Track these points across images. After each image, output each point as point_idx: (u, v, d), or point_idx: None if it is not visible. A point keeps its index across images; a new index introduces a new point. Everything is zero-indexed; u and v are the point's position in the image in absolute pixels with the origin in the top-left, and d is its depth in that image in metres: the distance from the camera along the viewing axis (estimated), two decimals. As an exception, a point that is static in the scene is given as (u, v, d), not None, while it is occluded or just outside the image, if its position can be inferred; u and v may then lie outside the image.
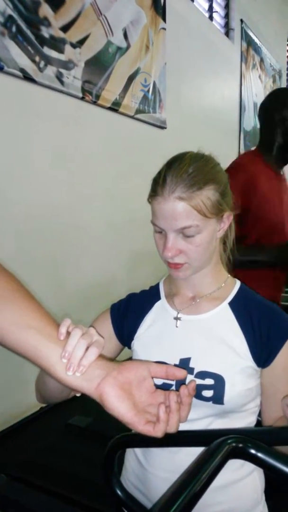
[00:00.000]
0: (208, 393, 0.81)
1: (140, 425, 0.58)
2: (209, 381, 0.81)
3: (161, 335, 0.90)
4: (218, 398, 0.80)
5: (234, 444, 0.54)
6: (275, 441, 0.61)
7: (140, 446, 0.82)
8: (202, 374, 0.82)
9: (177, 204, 0.79)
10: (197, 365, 0.84)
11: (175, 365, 0.83)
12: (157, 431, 0.58)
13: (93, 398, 0.61)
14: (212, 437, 0.58)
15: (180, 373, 0.65)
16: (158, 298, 0.96)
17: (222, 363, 0.83)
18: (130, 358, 0.93)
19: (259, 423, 0.90)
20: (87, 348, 0.62)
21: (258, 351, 0.84)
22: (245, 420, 0.86)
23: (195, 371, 0.83)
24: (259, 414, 0.90)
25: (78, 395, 0.67)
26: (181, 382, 0.78)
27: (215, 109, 4.04)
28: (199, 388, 0.81)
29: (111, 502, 0.85)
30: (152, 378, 0.64)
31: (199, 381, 0.81)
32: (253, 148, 1.83)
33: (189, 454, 0.74)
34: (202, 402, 0.81)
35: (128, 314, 0.95)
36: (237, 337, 0.85)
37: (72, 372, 0.60)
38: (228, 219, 0.87)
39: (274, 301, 1.64)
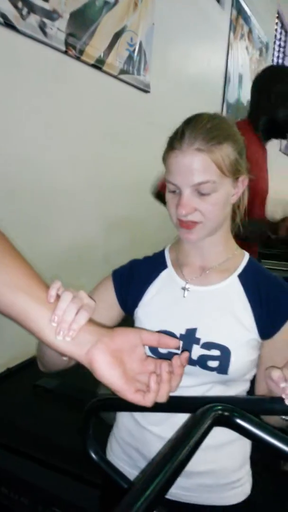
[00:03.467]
0: (213, 364, 0.81)
1: (130, 394, 0.57)
2: (215, 352, 0.81)
3: (168, 304, 0.88)
4: (223, 369, 0.81)
5: (220, 412, 0.54)
6: (260, 411, 0.61)
7: (120, 410, 0.81)
8: (208, 345, 0.82)
9: (196, 156, 0.77)
10: (204, 336, 0.83)
11: (181, 335, 0.84)
12: (147, 401, 0.57)
13: (83, 363, 0.59)
14: (198, 404, 0.57)
15: (173, 342, 0.63)
16: (164, 266, 0.93)
17: (228, 335, 0.83)
18: (132, 326, 0.91)
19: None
20: (78, 312, 0.59)
21: (263, 324, 0.84)
22: (241, 387, 0.88)
23: (201, 342, 0.83)
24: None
25: (65, 359, 0.64)
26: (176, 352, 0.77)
27: (200, 76, 3.95)
28: (205, 359, 0.82)
29: (80, 463, 0.85)
30: (144, 345, 0.62)
31: (205, 352, 0.82)
32: (240, 119, 1.83)
33: (188, 414, 0.74)
34: (207, 372, 0.82)
35: (132, 281, 0.92)
36: (244, 310, 0.85)
37: (62, 336, 0.58)
38: (243, 183, 0.85)
39: None
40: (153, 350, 0.83)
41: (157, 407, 0.57)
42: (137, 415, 0.90)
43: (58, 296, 0.61)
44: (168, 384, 0.59)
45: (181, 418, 0.81)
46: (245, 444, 0.92)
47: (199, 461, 0.83)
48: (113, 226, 2.85)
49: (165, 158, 0.82)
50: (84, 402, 0.83)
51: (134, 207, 2.95)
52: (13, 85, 1.96)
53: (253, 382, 0.91)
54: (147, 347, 0.81)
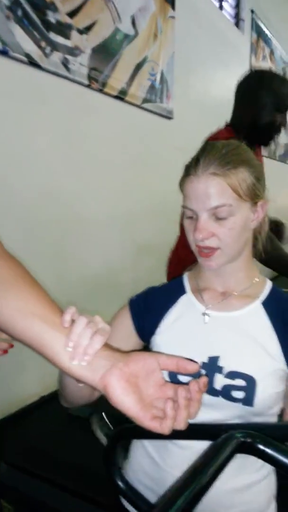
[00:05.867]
0: (238, 394, 0.77)
1: (146, 421, 0.55)
2: (240, 382, 0.78)
3: (188, 331, 0.85)
4: (248, 400, 0.77)
5: (242, 439, 0.52)
6: (285, 437, 0.58)
7: (143, 438, 0.79)
8: (232, 374, 0.79)
9: (211, 181, 0.77)
10: (227, 365, 0.80)
11: (204, 363, 0.81)
12: (164, 428, 0.54)
13: (97, 389, 0.58)
14: (220, 431, 0.55)
15: (192, 367, 0.60)
16: (182, 292, 0.91)
17: (254, 363, 0.79)
18: None
19: None
20: (93, 336, 0.59)
21: None
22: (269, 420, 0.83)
23: (225, 371, 0.79)
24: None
25: (81, 385, 0.64)
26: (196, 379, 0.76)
27: (223, 100, 3.96)
28: (229, 389, 0.78)
29: (111, 493, 0.83)
30: (161, 370, 0.60)
31: (229, 381, 0.79)
32: (222, 126, 1.78)
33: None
34: (231, 403, 0.78)
35: (149, 308, 0.91)
36: (269, 338, 0.81)
37: (77, 361, 0.57)
38: (262, 208, 0.84)
39: None
40: (172, 377, 0.80)
41: (178, 434, 0.55)
42: (156, 456, 0.85)
43: (73, 321, 0.60)
44: (185, 410, 0.56)
45: None
46: (271, 482, 0.87)
47: (226, 505, 0.80)
48: (141, 252, 2.86)
49: (181, 185, 0.83)
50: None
51: (161, 232, 2.96)
52: (37, 120, 2.04)
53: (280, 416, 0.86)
54: (166, 375, 0.79)
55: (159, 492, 0.84)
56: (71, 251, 2.30)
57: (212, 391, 0.78)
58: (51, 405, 1.98)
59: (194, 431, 0.57)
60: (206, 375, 0.79)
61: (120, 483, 0.78)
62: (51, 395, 2.05)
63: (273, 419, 0.84)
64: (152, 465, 0.86)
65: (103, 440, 0.97)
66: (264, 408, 0.79)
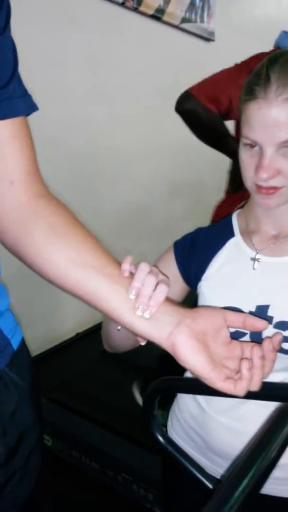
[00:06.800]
0: None
1: (218, 382, 0.51)
2: None
3: (235, 277, 0.78)
4: None
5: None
6: None
7: (185, 392, 0.75)
8: (283, 325, 0.72)
9: (286, 109, 0.64)
10: (277, 314, 0.73)
11: (251, 312, 0.75)
12: (239, 390, 0.52)
13: (163, 347, 0.54)
14: (280, 391, 0.53)
15: (261, 324, 0.57)
16: (231, 235, 0.83)
17: None
18: (195, 303, 0.84)
19: None
20: (156, 286, 0.55)
21: None
22: None
23: (274, 321, 0.73)
24: None
25: (143, 343, 0.61)
26: (256, 332, 0.71)
27: (270, 20, 3.60)
28: None
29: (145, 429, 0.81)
30: (228, 327, 0.57)
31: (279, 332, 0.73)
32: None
33: (259, 404, 0.67)
34: (281, 355, 0.72)
35: (195, 252, 0.84)
36: None
37: (141, 311, 0.53)
38: None
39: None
40: None
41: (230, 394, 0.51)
42: (202, 400, 0.83)
43: (131, 273, 0.56)
44: (261, 370, 0.53)
45: (249, 409, 0.75)
46: None
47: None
48: (174, 192, 2.75)
49: (242, 108, 0.69)
50: (151, 369, 0.78)
51: (196, 169, 2.82)
52: (68, 43, 1.89)
53: None
54: None
55: (202, 436, 0.83)
56: (99, 185, 2.22)
57: (260, 343, 0.73)
58: (85, 342, 2.02)
59: (258, 391, 0.53)
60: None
61: (160, 437, 0.75)
62: (86, 332, 2.09)
63: None
64: (197, 408, 0.84)
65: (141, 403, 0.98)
66: None
